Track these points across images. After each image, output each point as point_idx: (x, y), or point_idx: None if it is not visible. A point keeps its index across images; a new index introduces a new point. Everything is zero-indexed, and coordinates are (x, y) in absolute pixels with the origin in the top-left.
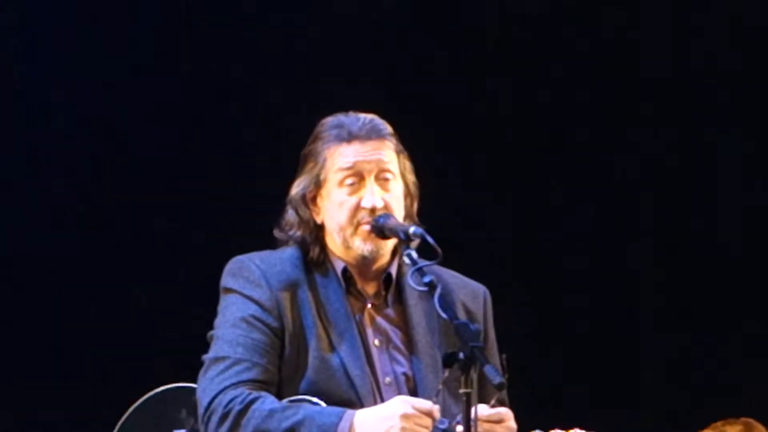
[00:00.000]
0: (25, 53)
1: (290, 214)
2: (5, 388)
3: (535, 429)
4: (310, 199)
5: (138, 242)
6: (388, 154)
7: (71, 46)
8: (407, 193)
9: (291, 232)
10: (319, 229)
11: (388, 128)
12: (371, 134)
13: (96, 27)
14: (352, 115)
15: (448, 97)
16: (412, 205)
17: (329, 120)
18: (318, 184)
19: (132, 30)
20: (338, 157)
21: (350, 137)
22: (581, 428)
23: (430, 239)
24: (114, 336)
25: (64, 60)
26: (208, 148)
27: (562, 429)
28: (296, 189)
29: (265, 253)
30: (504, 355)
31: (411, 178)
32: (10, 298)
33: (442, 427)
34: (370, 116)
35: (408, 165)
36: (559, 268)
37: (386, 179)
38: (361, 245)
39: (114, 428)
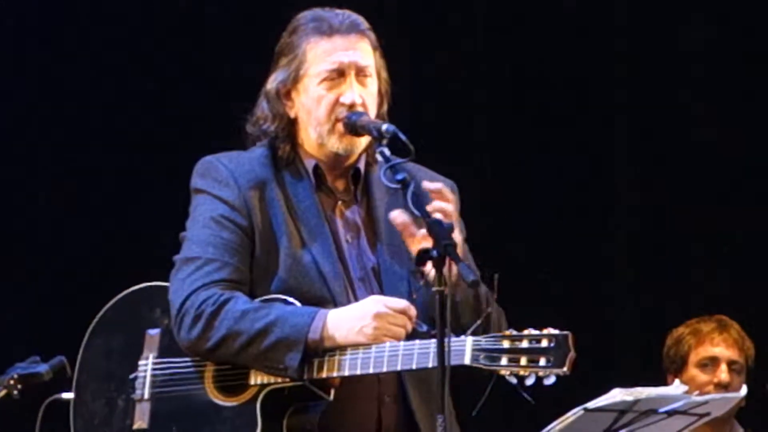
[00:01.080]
0: None
1: (263, 108)
2: None
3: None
4: (284, 94)
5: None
6: (367, 50)
7: None
8: (379, 92)
9: (264, 126)
10: (292, 125)
11: (366, 23)
12: (351, 29)
13: None
14: (329, 9)
15: None
16: (383, 103)
17: (307, 13)
18: (296, 78)
19: None
20: (319, 52)
21: (330, 31)
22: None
23: (402, 136)
24: (86, 234)
25: None
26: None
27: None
28: (272, 83)
29: (234, 153)
30: (496, 275)
31: (384, 75)
32: None
33: (421, 330)
34: (348, 11)
35: (382, 62)
36: None
37: (365, 76)
38: (336, 143)
39: (88, 328)
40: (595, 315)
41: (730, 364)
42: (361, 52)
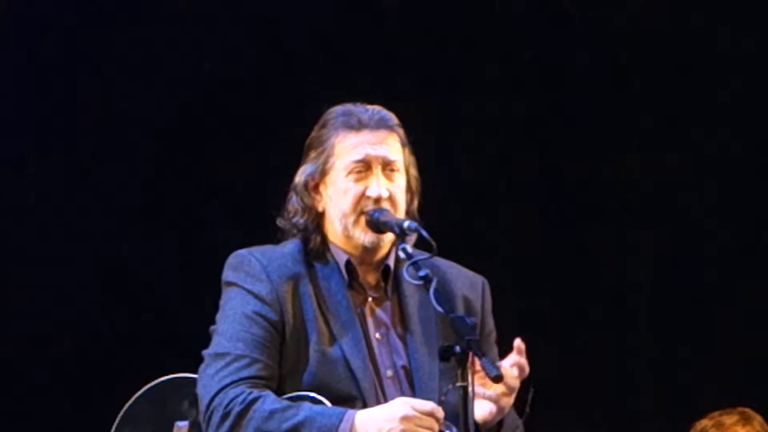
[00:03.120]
0: None
1: (293, 201)
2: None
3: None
4: (312, 187)
5: (145, 231)
6: (395, 146)
7: None
8: (408, 188)
9: (294, 219)
10: (321, 217)
11: (396, 120)
12: (380, 124)
13: None
14: (359, 105)
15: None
16: (412, 200)
17: (337, 108)
18: (324, 171)
19: None
20: (347, 145)
21: (360, 125)
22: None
23: (424, 233)
24: (118, 325)
25: None
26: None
27: None
28: (301, 175)
29: (267, 247)
30: (532, 389)
31: (413, 172)
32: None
33: None
34: (378, 107)
35: (412, 159)
36: None
37: (392, 170)
38: (362, 235)
39: (116, 418)
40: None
41: None
42: (388, 146)
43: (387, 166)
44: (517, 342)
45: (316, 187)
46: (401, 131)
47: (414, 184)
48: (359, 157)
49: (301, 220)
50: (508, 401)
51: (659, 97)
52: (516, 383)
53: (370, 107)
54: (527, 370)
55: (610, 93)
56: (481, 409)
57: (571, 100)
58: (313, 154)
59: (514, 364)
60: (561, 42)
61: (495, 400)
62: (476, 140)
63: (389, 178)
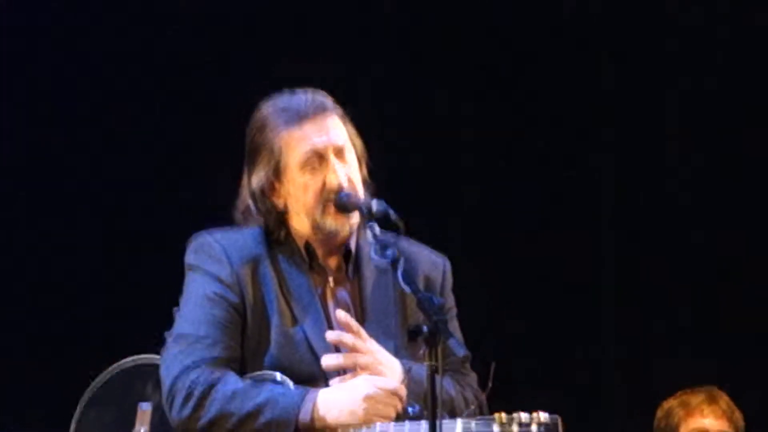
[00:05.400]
0: None
1: (251, 205)
2: None
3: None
4: (269, 189)
5: (107, 211)
6: (338, 127)
7: None
8: (358, 158)
9: (252, 219)
10: (282, 214)
11: (329, 99)
12: (318, 111)
13: None
14: (289, 94)
15: None
16: (362, 167)
17: (268, 106)
18: (277, 172)
19: None
20: (294, 142)
21: (299, 119)
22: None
23: (392, 213)
24: (81, 307)
25: None
26: None
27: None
28: (255, 184)
29: (227, 230)
30: (493, 364)
31: (358, 142)
32: None
33: (412, 410)
34: (310, 92)
35: (353, 130)
36: None
37: (343, 153)
38: (332, 222)
39: (79, 401)
40: (584, 388)
41: None
42: (333, 130)
43: (338, 149)
44: None
45: (272, 188)
46: (338, 109)
47: (360, 151)
48: (309, 151)
49: (261, 220)
50: None
51: None
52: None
53: (301, 94)
54: None
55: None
56: None
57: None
58: (261, 159)
59: None
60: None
61: None
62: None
63: (342, 160)
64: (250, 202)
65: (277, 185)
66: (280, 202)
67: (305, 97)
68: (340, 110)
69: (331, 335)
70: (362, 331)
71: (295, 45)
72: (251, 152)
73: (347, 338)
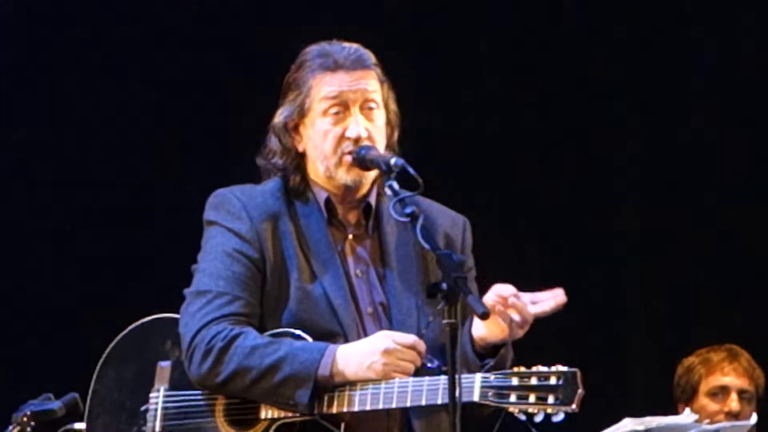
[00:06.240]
0: None
1: (272, 142)
2: None
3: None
4: (292, 128)
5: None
6: (372, 83)
7: None
8: (388, 123)
9: (273, 160)
10: (301, 158)
11: (373, 58)
12: (356, 64)
13: None
14: (336, 43)
15: None
16: (392, 134)
17: (313, 48)
18: (302, 113)
19: None
20: (323, 86)
21: (336, 66)
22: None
23: (411, 170)
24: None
25: None
26: None
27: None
28: (279, 117)
29: (247, 186)
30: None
31: (393, 107)
32: None
33: (430, 366)
34: (355, 45)
35: (391, 94)
36: None
37: (370, 109)
38: (344, 175)
39: (100, 359)
40: (606, 346)
41: (741, 393)
42: (365, 85)
43: (364, 104)
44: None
45: (296, 128)
46: (378, 69)
47: (393, 118)
48: (335, 96)
49: (280, 161)
50: (520, 333)
51: None
52: (531, 317)
53: (346, 45)
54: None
55: None
56: (489, 327)
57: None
58: (290, 96)
59: (546, 300)
60: None
61: (509, 327)
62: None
63: (368, 117)
64: (272, 136)
65: (300, 127)
66: (300, 145)
67: (349, 48)
68: (380, 72)
69: None
70: None
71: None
72: (285, 88)
73: None
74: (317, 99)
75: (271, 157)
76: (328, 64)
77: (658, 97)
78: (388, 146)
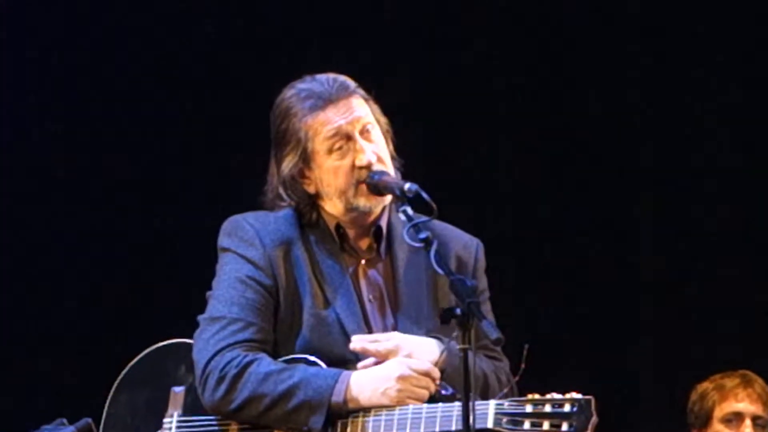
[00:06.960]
0: None
1: (281, 192)
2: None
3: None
4: (299, 175)
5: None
6: (361, 107)
7: None
8: (384, 135)
9: (283, 205)
10: (314, 198)
11: (351, 81)
12: (340, 93)
13: None
14: (309, 79)
15: None
16: (389, 144)
17: (291, 92)
18: (306, 159)
19: None
20: (320, 127)
21: (324, 103)
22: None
23: (425, 195)
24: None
25: None
26: None
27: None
28: (285, 170)
29: (260, 213)
30: (526, 346)
31: (383, 119)
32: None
33: (445, 392)
34: (329, 75)
35: (376, 108)
36: None
37: (368, 131)
38: (366, 203)
39: (113, 384)
40: (618, 371)
41: (755, 419)
42: (357, 110)
43: (363, 128)
44: None
45: (302, 173)
46: (360, 90)
47: (385, 128)
48: (335, 134)
49: (293, 205)
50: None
51: None
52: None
53: (321, 78)
54: None
55: None
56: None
57: None
58: (288, 147)
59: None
60: None
61: None
62: None
63: (369, 139)
64: (281, 190)
65: (307, 172)
66: (311, 188)
67: (326, 80)
68: (362, 90)
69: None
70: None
71: (324, 36)
72: (278, 141)
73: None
74: (319, 141)
75: (280, 202)
76: (317, 104)
77: None
78: (391, 156)
